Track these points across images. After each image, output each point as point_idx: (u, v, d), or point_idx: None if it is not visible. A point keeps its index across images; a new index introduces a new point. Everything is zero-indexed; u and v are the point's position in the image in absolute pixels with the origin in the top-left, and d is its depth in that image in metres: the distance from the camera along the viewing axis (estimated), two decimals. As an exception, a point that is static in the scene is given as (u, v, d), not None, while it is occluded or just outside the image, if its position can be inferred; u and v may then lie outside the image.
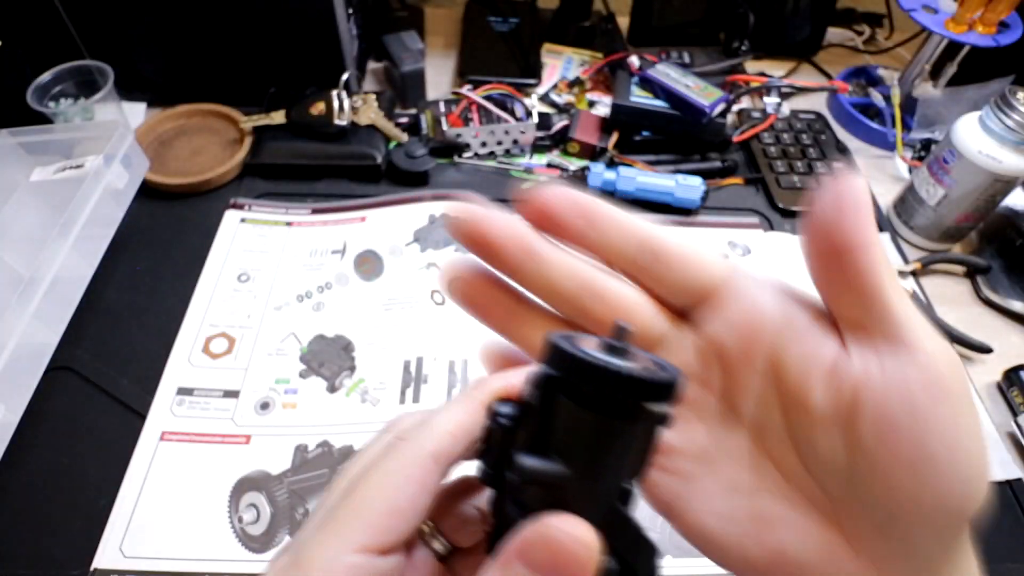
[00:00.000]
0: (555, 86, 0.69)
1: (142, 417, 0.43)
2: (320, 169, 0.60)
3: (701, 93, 0.60)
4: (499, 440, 0.17)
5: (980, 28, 0.61)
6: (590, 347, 0.16)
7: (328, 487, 0.19)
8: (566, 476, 0.16)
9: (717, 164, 0.63)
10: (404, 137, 0.60)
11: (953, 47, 0.64)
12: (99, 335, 0.48)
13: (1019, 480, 0.44)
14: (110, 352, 0.47)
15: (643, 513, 0.19)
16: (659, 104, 0.61)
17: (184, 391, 0.45)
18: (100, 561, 0.37)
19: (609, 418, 0.15)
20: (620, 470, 0.17)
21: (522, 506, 0.16)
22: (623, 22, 0.77)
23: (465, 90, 0.62)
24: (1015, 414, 0.47)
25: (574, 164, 0.62)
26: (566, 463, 0.16)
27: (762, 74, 0.74)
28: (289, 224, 0.55)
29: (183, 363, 0.46)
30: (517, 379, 0.19)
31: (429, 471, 0.18)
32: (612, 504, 0.16)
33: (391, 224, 0.55)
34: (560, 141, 0.63)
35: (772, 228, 0.59)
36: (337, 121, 0.59)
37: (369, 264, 0.52)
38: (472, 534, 0.21)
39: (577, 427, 0.16)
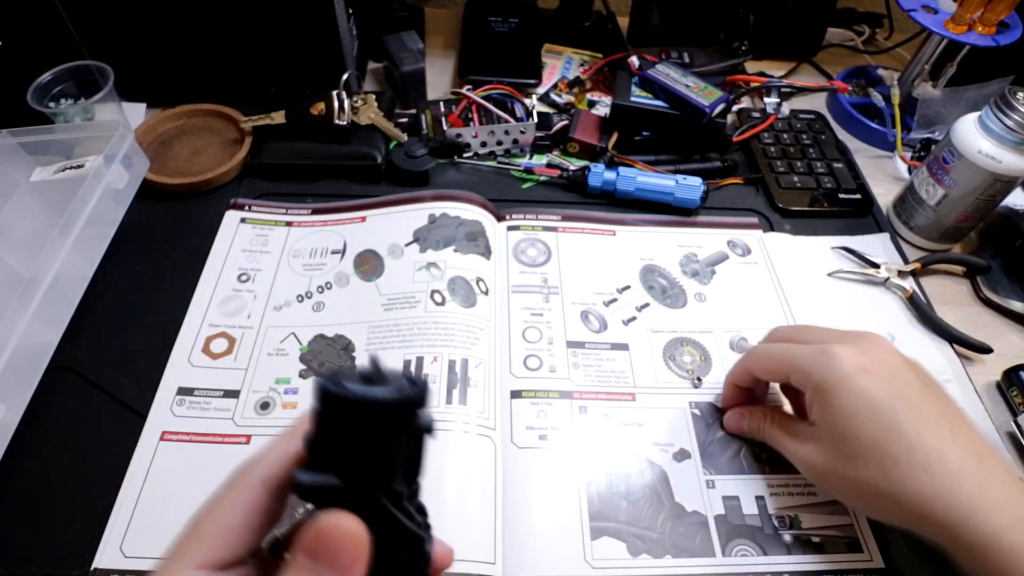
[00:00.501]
0: (555, 86, 0.69)
1: (142, 417, 0.43)
2: (320, 169, 0.60)
3: (701, 93, 0.60)
4: (302, 461, 0.20)
5: (980, 28, 0.61)
6: (349, 380, 0.19)
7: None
8: (335, 486, 0.19)
9: (717, 164, 0.63)
10: (404, 137, 0.60)
11: (953, 47, 0.64)
12: (99, 335, 0.48)
13: (1019, 480, 0.44)
14: (110, 352, 0.47)
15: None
16: (659, 104, 0.61)
17: (184, 391, 0.45)
18: (100, 561, 0.37)
19: (356, 433, 0.19)
20: (386, 475, 0.20)
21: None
22: (623, 22, 0.77)
23: (465, 90, 0.62)
24: (1015, 414, 0.47)
25: (574, 164, 0.62)
26: (338, 474, 0.19)
27: (762, 74, 0.74)
28: (289, 224, 0.56)
29: (183, 363, 0.46)
30: None
31: (258, 493, 0.21)
32: (380, 503, 0.19)
33: (391, 224, 0.55)
34: (560, 141, 0.63)
35: (772, 228, 0.59)
36: (337, 121, 0.59)
37: (369, 264, 0.52)
38: None
39: (338, 444, 0.19)
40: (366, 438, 0.19)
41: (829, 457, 0.35)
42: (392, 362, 0.46)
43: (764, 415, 0.41)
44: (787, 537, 0.40)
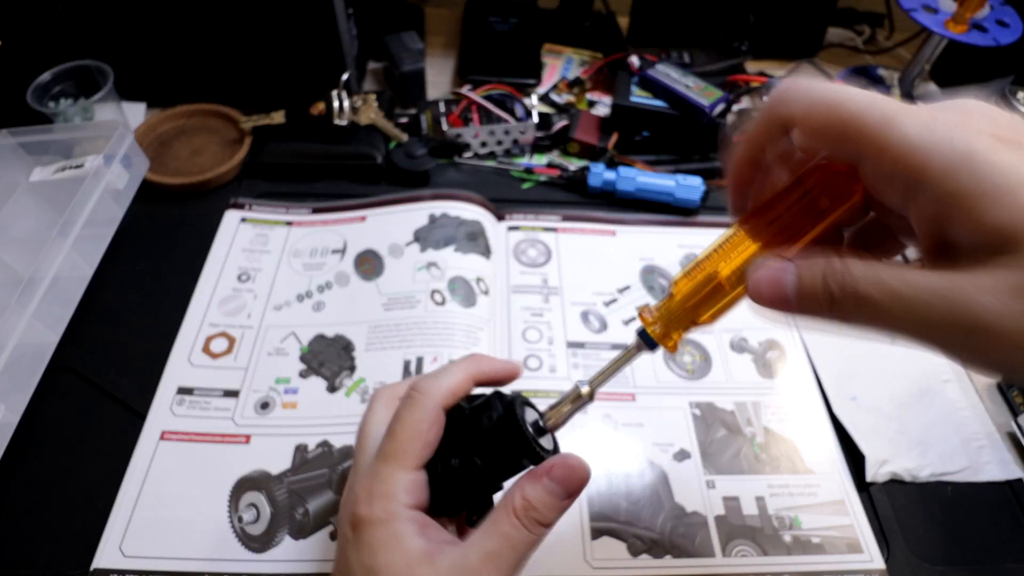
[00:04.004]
0: (555, 86, 0.69)
1: (142, 417, 0.43)
2: (320, 169, 0.60)
3: (701, 93, 0.60)
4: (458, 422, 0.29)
5: (953, 27, 0.60)
6: (530, 419, 0.28)
7: (362, 430, 0.30)
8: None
9: (717, 164, 0.63)
10: (404, 137, 0.60)
11: (953, 47, 0.64)
12: (99, 335, 0.48)
13: (1019, 480, 0.44)
14: (110, 352, 0.47)
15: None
16: (659, 104, 0.61)
17: (184, 391, 0.45)
18: (100, 561, 0.37)
19: (520, 453, 0.28)
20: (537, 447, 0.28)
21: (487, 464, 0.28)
22: (623, 22, 0.77)
23: (465, 90, 0.62)
24: (1015, 414, 0.47)
25: (574, 164, 0.62)
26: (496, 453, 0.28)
27: (762, 74, 0.74)
28: (289, 224, 0.55)
29: (183, 363, 0.46)
30: (493, 366, 0.31)
31: (439, 414, 0.28)
32: (537, 454, 0.28)
33: (391, 224, 0.55)
34: (560, 141, 0.63)
35: (772, 228, 0.59)
36: (337, 121, 0.59)
37: (369, 264, 0.52)
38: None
39: (513, 448, 0.28)
40: (518, 455, 0.28)
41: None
42: (392, 362, 0.46)
43: (837, 255, 0.21)
44: (787, 537, 0.40)
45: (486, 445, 0.28)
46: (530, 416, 0.29)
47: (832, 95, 0.21)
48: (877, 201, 0.22)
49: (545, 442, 0.28)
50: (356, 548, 0.25)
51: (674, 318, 0.26)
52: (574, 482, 0.26)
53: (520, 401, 0.29)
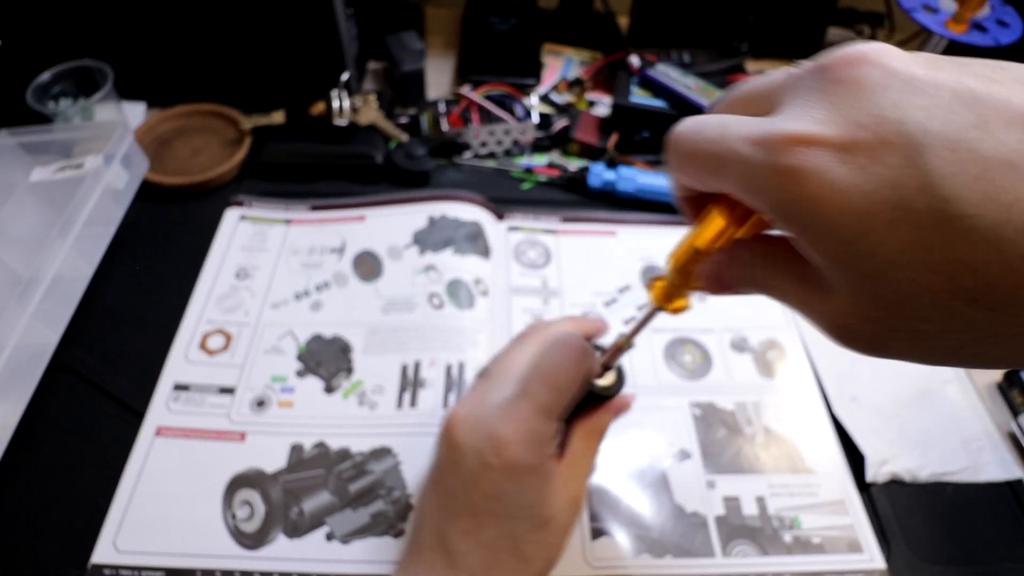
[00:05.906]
0: (555, 86, 0.69)
1: (141, 416, 0.43)
2: (320, 169, 0.60)
3: (701, 93, 0.60)
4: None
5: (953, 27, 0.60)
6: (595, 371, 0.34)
7: (506, 357, 0.35)
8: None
9: (717, 164, 0.63)
10: (404, 137, 0.60)
11: (953, 47, 0.64)
12: (99, 335, 0.48)
13: (1019, 480, 0.44)
14: (110, 352, 0.47)
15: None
16: (659, 104, 0.61)
17: (180, 387, 0.45)
18: (96, 557, 0.37)
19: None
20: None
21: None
22: (623, 22, 0.77)
23: (465, 90, 0.62)
24: (1015, 414, 0.46)
25: (574, 164, 0.62)
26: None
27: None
28: (288, 222, 0.55)
29: (180, 359, 0.46)
30: (587, 327, 0.37)
31: (582, 377, 0.33)
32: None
33: (390, 225, 0.55)
34: (560, 141, 0.63)
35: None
36: (337, 121, 0.59)
37: (368, 265, 0.52)
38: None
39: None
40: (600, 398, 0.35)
41: (864, 316, 0.19)
42: (390, 366, 0.46)
43: (754, 255, 0.23)
44: (787, 537, 0.40)
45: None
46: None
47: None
48: None
49: (606, 378, 0.35)
50: (517, 486, 0.30)
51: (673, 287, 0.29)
52: (622, 411, 0.36)
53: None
